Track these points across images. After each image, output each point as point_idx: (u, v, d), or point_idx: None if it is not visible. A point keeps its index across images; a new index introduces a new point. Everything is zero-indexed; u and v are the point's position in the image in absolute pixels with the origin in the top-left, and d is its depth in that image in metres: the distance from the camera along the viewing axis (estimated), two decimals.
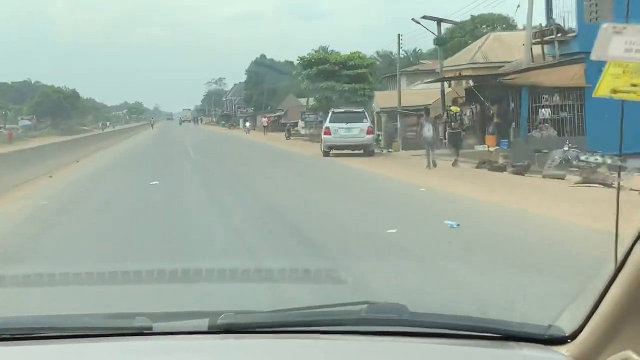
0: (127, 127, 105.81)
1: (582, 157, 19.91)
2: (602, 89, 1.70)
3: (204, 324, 2.28)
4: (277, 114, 78.43)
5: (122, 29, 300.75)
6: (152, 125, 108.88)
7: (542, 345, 2.15)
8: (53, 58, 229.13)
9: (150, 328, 2.26)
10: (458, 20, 44.41)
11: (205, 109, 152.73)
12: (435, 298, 6.40)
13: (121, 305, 5.44)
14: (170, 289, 6.36)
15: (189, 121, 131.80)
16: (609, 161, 18.50)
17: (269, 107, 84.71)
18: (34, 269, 7.74)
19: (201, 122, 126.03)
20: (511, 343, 2.18)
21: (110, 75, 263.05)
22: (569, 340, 2.09)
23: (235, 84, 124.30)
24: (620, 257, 1.85)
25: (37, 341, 2.23)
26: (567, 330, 2.12)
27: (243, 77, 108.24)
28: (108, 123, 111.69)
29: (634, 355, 1.80)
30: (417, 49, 69.43)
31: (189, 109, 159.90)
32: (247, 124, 78.01)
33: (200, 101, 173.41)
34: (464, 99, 31.93)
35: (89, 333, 2.28)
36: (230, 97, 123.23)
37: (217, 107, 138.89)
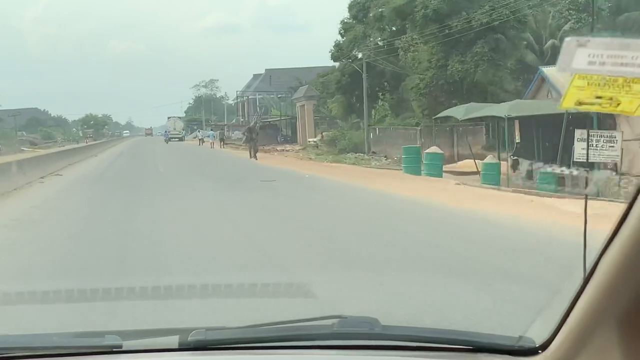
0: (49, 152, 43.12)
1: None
2: (568, 101, 1.72)
3: (174, 341, 2.26)
4: None
5: (93, 43, 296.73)
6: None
7: (512, 357, 2.15)
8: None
9: (121, 346, 2.24)
10: None
11: (201, 118, 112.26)
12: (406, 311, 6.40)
13: (90, 324, 5.38)
14: (140, 306, 6.31)
15: (180, 139, 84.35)
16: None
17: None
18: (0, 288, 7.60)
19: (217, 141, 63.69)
20: (481, 355, 2.19)
21: (77, 89, 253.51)
22: (539, 351, 2.09)
23: (254, 74, 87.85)
24: (588, 266, 1.86)
25: None
26: (538, 341, 2.12)
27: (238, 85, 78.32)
28: None
29: None
30: None
31: (178, 117, 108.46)
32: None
33: (184, 112, 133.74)
34: None
35: (58, 352, 2.25)
36: (255, 95, 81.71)
37: (209, 114, 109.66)
